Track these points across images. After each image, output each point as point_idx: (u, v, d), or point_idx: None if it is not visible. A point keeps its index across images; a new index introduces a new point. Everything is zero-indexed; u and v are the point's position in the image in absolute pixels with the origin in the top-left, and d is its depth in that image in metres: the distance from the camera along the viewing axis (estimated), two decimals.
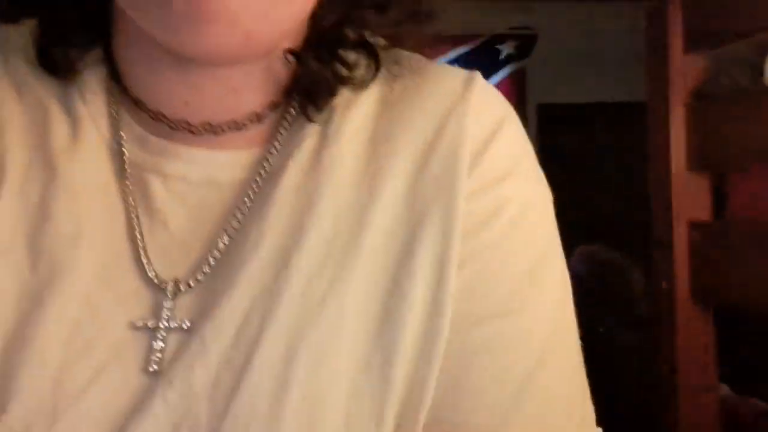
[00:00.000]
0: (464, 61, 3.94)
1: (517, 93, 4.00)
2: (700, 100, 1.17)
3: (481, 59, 3.96)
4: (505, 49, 3.92)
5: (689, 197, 1.21)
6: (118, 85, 0.36)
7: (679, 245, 1.21)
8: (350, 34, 0.38)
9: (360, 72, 0.37)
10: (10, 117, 0.35)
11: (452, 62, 3.93)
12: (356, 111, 0.37)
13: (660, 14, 1.22)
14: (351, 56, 0.37)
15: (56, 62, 0.36)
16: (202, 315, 0.33)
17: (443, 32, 3.84)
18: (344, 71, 0.37)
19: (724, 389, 1.29)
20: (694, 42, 1.19)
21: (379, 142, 0.36)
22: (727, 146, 1.13)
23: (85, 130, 0.36)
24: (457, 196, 0.34)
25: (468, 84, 0.39)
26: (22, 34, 0.37)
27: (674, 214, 1.22)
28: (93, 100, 0.36)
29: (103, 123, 0.36)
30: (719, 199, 1.23)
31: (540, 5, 3.97)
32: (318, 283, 0.33)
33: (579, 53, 3.97)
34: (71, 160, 0.35)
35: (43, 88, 0.36)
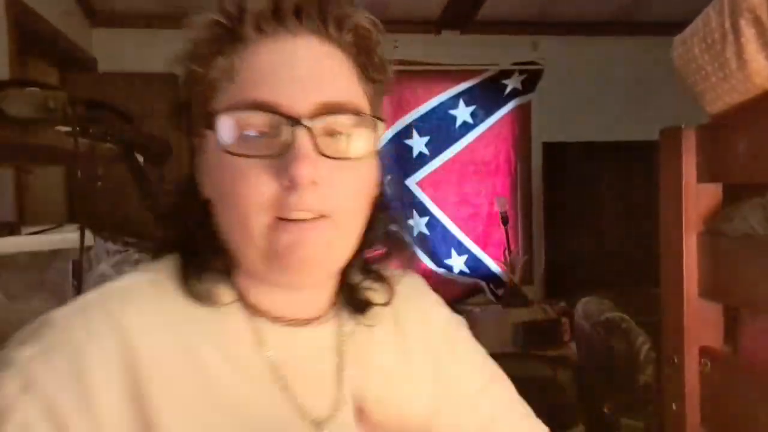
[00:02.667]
0: (470, 95, 3.94)
1: (521, 127, 4.01)
2: (714, 234, 1.18)
3: (486, 93, 3.96)
4: (511, 84, 3.94)
5: (701, 323, 1.22)
6: (243, 301, 0.59)
7: (690, 370, 1.22)
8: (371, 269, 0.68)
9: (383, 296, 0.67)
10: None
11: (458, 96, 3.93)
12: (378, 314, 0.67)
13: (675, 142, 1.22)
14: (374, 284, 0.68)
15: (202, 295, 0.57)
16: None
17: (449, 67, 3.85)
18: (371, 296, 0.67)
19: None
20: (709, 172, 1.19)
21: (400, 326, 0.69)
22: (737, 283, 1.13)
23: (236, 335, 0.58)
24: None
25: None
26: (168, 275, 0.58)
27: (686, 339, 1.22)
28: (238, 319, 0.59)
29: (247, 329, 0.59)
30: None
31: (546, 40, 3.97)
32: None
33: (585, 89, 3.99)
34: (239, 351, 0.58)
35: (200, 318, 0.57)
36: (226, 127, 0.53)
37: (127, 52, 3.51)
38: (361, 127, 0.55)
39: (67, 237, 1.20)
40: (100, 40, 3.53)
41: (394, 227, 0.65)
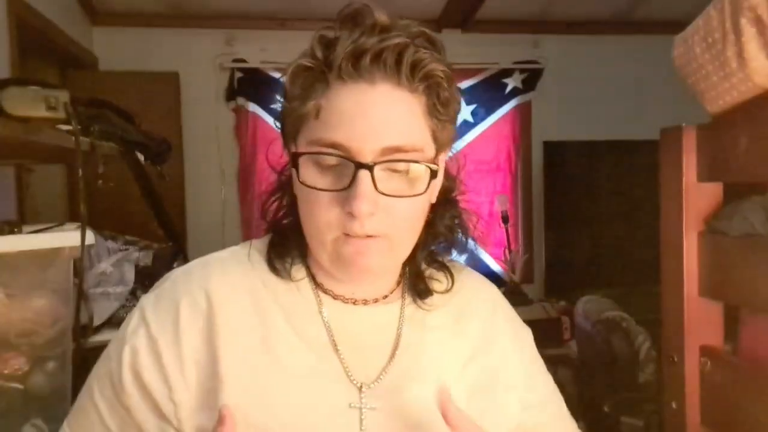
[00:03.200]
0: (470, 94, 3.94)
1: (522, 125, 4.01)
2: (714, 233, 1.18)
3: (487, 92, 3.96)
4: (511, 82, 3.94)
5: (701, 322, 1.22)
6: (314, 282, 0.73)
7: (690, 369, 1.23)
8: (436, 259, 0.79)
9: (443, 284, 0.78)
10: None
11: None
12: (439, 303, 0.77)
13: (676, 141, 1.22)
14: (438, 273, 0.79)
15: (281, 271, 0.72)
16: (384, 399, 0.69)
17: (450, 65, 3.84)
18: (433, 283, 0.78)
19: None
20: (709, 171, 1.19)
21: (456, 319, 0.78)
22: (738, 282, 1.13)
23: (303, 307, 0.71)
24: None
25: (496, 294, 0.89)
26: (259, 250, 0.74)
27: (686, 338, 1.23)
28: (306, 292, 0.72)
29: (312, 300, 0.72)
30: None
31: (547, 39, 3.96)
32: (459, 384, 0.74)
33: (586, 88, 3.98)
34: (302, 319, 0.71)
35: (275, 287, 0.72)
36: (304, 167, 0.65)
37: (128, 51, 3.51)
38: (418, 167, 0.65)
39: (68, 235, 1.20)
40: (101, 38, 3.53)
41: (454, 223, 0.77)
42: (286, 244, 0.73)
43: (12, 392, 1.10)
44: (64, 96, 1.24)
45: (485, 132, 3.96)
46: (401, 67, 0.62)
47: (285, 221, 0.74)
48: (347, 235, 0.64)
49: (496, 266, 3.89)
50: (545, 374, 0.88)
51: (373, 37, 0.62)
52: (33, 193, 2.62)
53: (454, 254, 0.80)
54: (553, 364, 2.82)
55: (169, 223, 2.10)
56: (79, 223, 1.21)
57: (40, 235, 1.19)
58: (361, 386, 0.69)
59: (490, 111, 3.96)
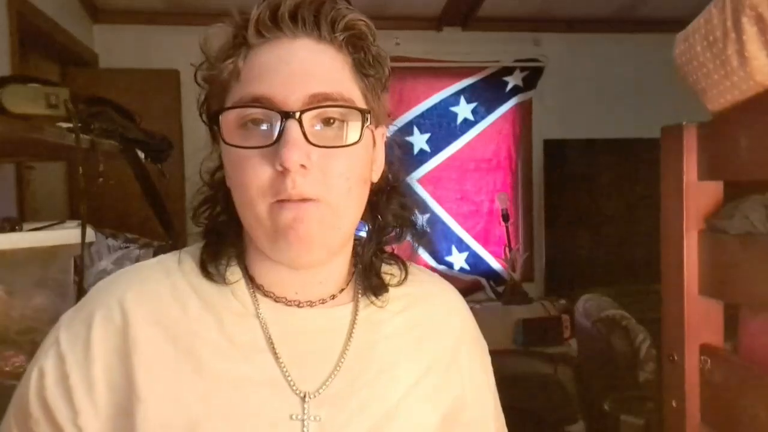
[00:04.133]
0: (471, 92, 3.94)
1: (522, 124, 4.00)
2: (714, 231, 1.18)
3: (487, 90, 3.96)
4: (512, 81, 3.93)
5: (701, 321, 1.22)
6: (252, 284, 0.67)
7: (690, 367, 1.23)
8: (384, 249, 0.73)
9: (396, 277, 0.73)
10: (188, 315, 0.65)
11: (459, 93, 3.93)
12: (396, 297, 0.72)
13: (676, 140, 1.22)
14: (388, 266, 0.73)
15: (213, 275, 0.66)
16: (329, 407, 0.63)
17: (451, 64, 3.85)
18: (386, 277, 0.72)
19: None
20: (710, 170, 1.19)
21: (417, 326, 0.72)
22: (738, 280, 1.13)
23: (237, 310, 0.65)
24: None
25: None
26: (192, 255, 0.68)
27: (686, 337, 1.23)
28: (242, 295, 0.66)
29: (249, 303, 0.66)
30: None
31: (547, 37, 3.96)
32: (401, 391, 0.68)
33: (586, 86, 3.98)
34: (236, 324, 0.64)
35: (206, 293, 0.65)
36: (229, 121, 0.61)
37: (129, 49, 3.51)
38: (351, 117, 0.61)
39: (68, 233, 1.20)
40: (102, 36, 3.53)
41: (402, 211, 0.72)
42: (221, 243, 0.67)
43: (12, 390, 1.10)
44: (64, 93, 1.24)
45: (486, 130, 3.95)
46: (320, 19, 0.61)
47: (220, 219, 0.69)
48: (281, 201, 0.59)
49: (496, 264, 3.89)
50: (495, 394, 0.80)
51: None
52: (33, 190, 2.62)
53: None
54: (553, 362, 2.83)
55: (169, 221, 2.10)
56: (80, 221, 1.21)
57: (41, 233, 1.19)
58: (304, 395, 0.62)
59: (490, 109, 3.96)
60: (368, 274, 0.70)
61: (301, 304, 0.67)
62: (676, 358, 1.25)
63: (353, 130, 0.61)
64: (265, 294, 0.66)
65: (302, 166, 0.58)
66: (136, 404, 0.59)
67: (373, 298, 0.70)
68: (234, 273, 0.67)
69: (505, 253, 3.76)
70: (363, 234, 0.71)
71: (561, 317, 3.32)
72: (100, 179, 1.41)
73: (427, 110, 3.89)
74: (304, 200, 0.59)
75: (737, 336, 1.22)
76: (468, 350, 0.75)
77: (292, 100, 0.58)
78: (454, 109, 3.92)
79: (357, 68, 0.63)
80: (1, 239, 1.08)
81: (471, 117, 3.94)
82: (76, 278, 1.27)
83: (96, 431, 0.60)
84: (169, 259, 0.69)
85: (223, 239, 0.68)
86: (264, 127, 0.60)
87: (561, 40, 3.96)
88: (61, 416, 0.60)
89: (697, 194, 1.21)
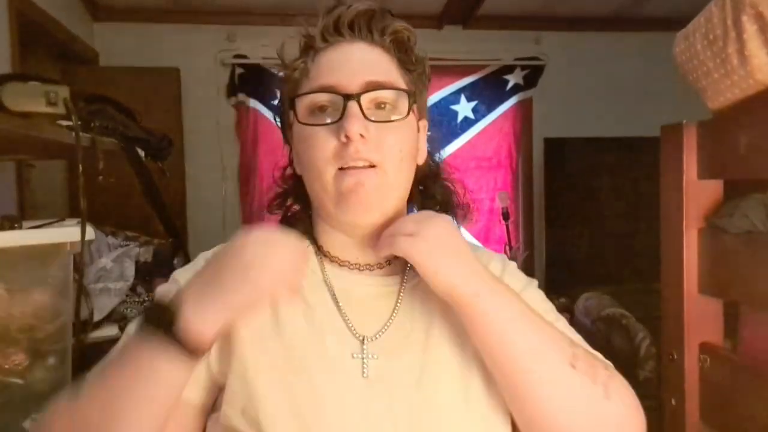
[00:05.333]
0: (471, 90, 3.94)
1: (523, 122, 4.00)
2: (714, 230, 1.18)
3: (488, 88, 3.96)
4: (512, 79, 3.93)
5: (701, 319, 1.22)
6: (320, 250, 0.81)
7: (689, 366, 1.23)
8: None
9: None
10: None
11: (460, 91, 3.93)
12: None
13: (676, 138, 1.22)
14: None
15: None
16: (384, 353, 0.73)
17: (451, 62, 3.85)
18: None
19: None
20: (710, 168, 1.19)
21: None
22: (738, 279, 1.14)
23: (308, 275, 0.77)
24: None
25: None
26: None
27: (686, 335, 1.23)
28: (311, 262, 0.79)
29: (317, 269, 0.79)
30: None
31: (548, 36, 3.96)
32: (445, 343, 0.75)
33: (587, 85, 3.98)
34: (308, 285, 0.76)
35: None
36: (301, 105, 0.74)
37: (129, 47, 3.51)
38: (399, 101, 0.75)
39: (68, 231, 1.20)
40: (102, 34, 3.53)
41: (445, 192, 0.85)
42: (293, 223, 0.82)
43: (12, 387, 1.10)
44: (64, 91, 1.24)
45: (486, 129, 3.96)
46: (372, 26, 0.76)
47: (292, 209, 0.84)
48: (344, 169, 0.71)
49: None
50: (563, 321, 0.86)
51: (345, 8, 0.76)
52: (33, 188, 2.62)
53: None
54: None
55: (169, 219, 2.10)
56: (80, 219, 1.21)
57: (41, 231, 1.19)
58: (363, 339, 0.74)
59: (491, 107, 3.96)
60: None
61: (361, 268, 0.79)
62: (675, 356, 1.25)
63: (401, 110, 0.75)
64: (332, 260, 0.80)
65: (361, 136, 0.70)
66: (232, 343, 0.71)
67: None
68: (306, 241, 0.78)
69: (506, 252, 3.76)
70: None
71: (561, 315, 3.31)
72: (100, 177, 1.41)
73: (428, 108, 3.88)
74: (364, 167, 0.71)
75: (737, 334, 1.22)
76: (510, 279, 0.81)
77: (352, 85, 0.72)
78: (454, 107, 3.92)
79: (401, 65, 0.78)
80: (1, 237, 1.08)
81: (471, 115, 3.94)
82: (76, 276, 1.27)
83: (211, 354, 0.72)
84: None
85: (293, 220, 0.83)
86: (327, 113, 0.73)
87: (561, 39, 3.96)
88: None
89: (697, 193, 1.21)
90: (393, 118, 0.74)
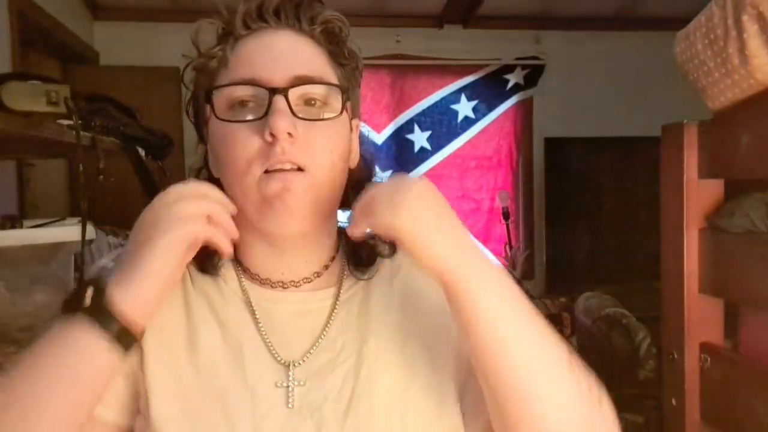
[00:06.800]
0: (472, 90, 3.94)
1: (523, 122, 4.00)
2: (715, 230, 1.18)
3: (488, 88, 3.96)
4: (513, 78, 3.93)
5: (701, 319, 1.22)
6: (241, 267, 0.72)
7: (690, 365, 1.23)
8: None
9: (387, 250, 0.74)
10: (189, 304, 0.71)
11: (460, 91, 3.93)
12: (381, 273, 0.74)
13: (677, 138, 1.22)
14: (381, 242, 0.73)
15: (207, 267, 0.71)
16: (312, 378, 0.67)
17: (451, 61, 3.85)
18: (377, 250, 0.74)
19: None
20: (710, 168, 1.19)
21: (403, 295, 0.73)
22: (738, 279, 1.14)
23: (227, 294, 0.71)
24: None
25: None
26: None
27: (686, 335, 1.23)
28: (230, 280, 0.72)
29: (237, 288, 0.71)
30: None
31: (548, 35, 3.96)
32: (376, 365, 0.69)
33: (587, 84, 3.98)
34: (225, 306, 0.70)
35: (199, 278, 0.71)
36: (219, 99, 0.66)
37: (129, 46, 3.50)
38: (330, 98, 0.67)
39: (68, 230, 1.20)
40: (102, 33, 3.53)
41: None
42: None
43: None
44: (64, 90, 1.24)
45: (486, 128, 3.95)
46: (299, 13, 0.68)
47: None
48: (268, 172, 0.64)
49: (496, 262, 3.88)
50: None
51: None
52: (34, 187, 2.62)
53: None
54: None
55: None
56: (80, 218, 1.21)
57: (41, 230, 1.19)
58: (288, 364, 0.67)
59: (491, 107, 3.95)
60: (357, 248, 0.73)
61: (285, 285, 0.71)
62: (676, 356, 1.25)
63: (333, 108, 0.67)
64: (252, 277, 0.72)
65: (289, 134, 0.63)
66: (142, 364, 0.66)
67: (359, 274, 0.73)
68: (224, 262, 0.71)
69: (506, 251, 3.76)
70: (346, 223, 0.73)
71: (561, 315, 3.32)
72: (101, 176, 1.41)
73: (428, 108, 3.89)
74: (291, 170, 0.64)
75: (737, 334, 1.23)
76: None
77: (278, 78, 0.64)
78: (454, 106, 3.92)
79: (332, 58, 0.70)
80: (2, 236, 1.08)
81: (472, 115, 3.94)
82: (77, 275, 1.27)
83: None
84: None
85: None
86: (249, 108, 0.65)
87: (562, 38, 3.96)
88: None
89: (698, 192, 1.21)
90: (325, 116, 0.66)
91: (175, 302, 0.69)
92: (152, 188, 1.91)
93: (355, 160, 0.74)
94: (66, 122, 1.27)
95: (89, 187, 1.23)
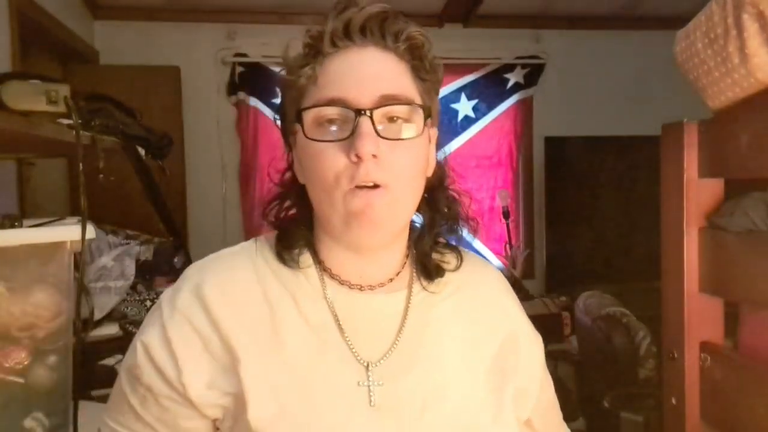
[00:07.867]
0: (472, 89, 3.93)
1: (523, 121, 4.00)
2: (715, 229, 1.18)
3: (488, 87, 3.96)
4: (513, 78, 3.93)
5: (701, 318, 1.22)
6: (321, 266, 0.76)
7: (690, 365, 1.23)
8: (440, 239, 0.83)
9: (452, 263, 0.82)
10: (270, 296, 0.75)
11: (460, 90, 3.92)
12: (448, 282, 0.81)
13: (677, 137, 1.22)
14: (442, 254, 0.82)
15: (288, 260, 0.75)
16: (388, 379, 0.72)
17: (451, 60, 3.84)
18: (443, 264, 0.81)
19: None
20: (710, 167, 1.19)
21: (469, 308, 0.81)
22: (738, 278, 1.13)
23: (309, 292, 0.75)
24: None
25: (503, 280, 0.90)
26: (267, 243, 0.78)
27: (686, 334, 1.23)
28: (312, 279, 0.75)
29: (318, 286, 0.75)
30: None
31: (548, 34, 3.95)
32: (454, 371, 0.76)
33: (587, 84, 3.98)
34: (308, 304, 0.73)
35: (284, 276, 0.75)
36: (308, 117, 0.70)
37: (129, 45, 3.50)
38: (413, 115, 0.70)
39: (68, 230, 1.20)
40: (102, 32, 3.53)
41: (452, 203, 0.82)
42: (293, 236, 0.77)
43: (13, 386, 1.10)
44: (64, 90, 1.24)
45: (486, 127, 3.95)
46: (385, 31, 0.71)
47: (291, 212, 0.79)
48: (355, 188, 0.68)
49: (497, 261, 3.89)
50: (550, 381, 0.89)
51: (357, 9, 0.70)
52: (34, 187, 2.62)
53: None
54: (553, 359, 2.84)
55: (169, 218, 2.10)
56: (80, 217, 1.21)
57: (41, 229, 1.19)
58: (367, 365, 0.71)
59: (491, 106, 3.95)
60: (425, 261, 0.79)
61: (363, 288, 0.76)
62: (676, 355, 1.25)
63: (415, 126, 0.70)
64: (332, 277, 0.76)
65: (373, 155, 0.66)
66: (237, 365, 0.69)
67: (426, 283, 0.79)
68: (306, 259, 0.76)
69: (506, 251, 3.76)
70: (417, 225, 0.81)
71: (561, 314, 3.32)
72: (101, 176, 1.41)
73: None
74: (374, 187, 0.67)
75: (737, 333, 1.22)
76: (527, 341, 0.83)
77: (365, 99, 0.68)
78: (455, 106, 3.91)
79: (415, 73, 0.72)
80: (2, 235, 1.08)
81: (472, 114, 3.94)
82: (77, 274, 1.27)
83: (199, 388, 0.69)
84: (248, 247, 0.78)
85: (293, 232, 0.77)
86: (336, 126, 0.69)
87: (562, 37, 3.96)
88: (168, 374, 0.69)
89: (698, 191, 1.21)
90: (405, 135, 0.69)
91: (255, 301, 0.73)
92: (152, 187, 1.91)
93: (431, 170, 0.78)
94: (66, 121, 1.27)
95: (89, 187, 1.23)
